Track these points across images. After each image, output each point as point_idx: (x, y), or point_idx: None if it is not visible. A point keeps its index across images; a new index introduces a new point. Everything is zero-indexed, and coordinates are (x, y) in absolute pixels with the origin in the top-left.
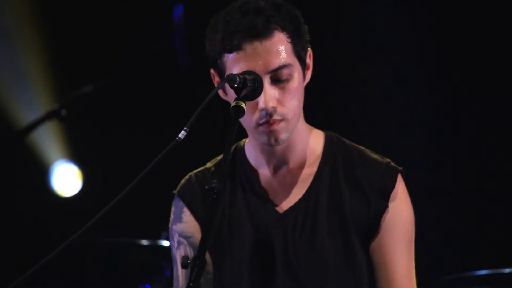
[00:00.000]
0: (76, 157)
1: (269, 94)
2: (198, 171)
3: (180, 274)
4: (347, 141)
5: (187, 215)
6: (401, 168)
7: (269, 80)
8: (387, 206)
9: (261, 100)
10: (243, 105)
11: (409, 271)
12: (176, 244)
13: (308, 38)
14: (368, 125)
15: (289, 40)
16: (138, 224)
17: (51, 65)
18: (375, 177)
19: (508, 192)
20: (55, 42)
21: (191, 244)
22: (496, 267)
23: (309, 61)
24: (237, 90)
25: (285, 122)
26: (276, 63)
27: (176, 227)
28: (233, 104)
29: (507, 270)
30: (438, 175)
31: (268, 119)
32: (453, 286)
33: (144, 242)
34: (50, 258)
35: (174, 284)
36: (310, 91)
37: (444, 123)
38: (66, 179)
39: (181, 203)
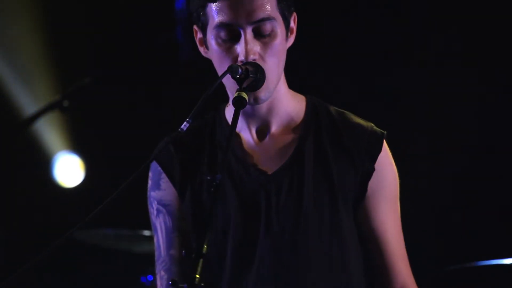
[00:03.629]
0: (78, 148)
1: (250, 46)
2: (175, 137)
3: (162, 243)
4: (329, 105)
5: (165, 181)
6: (385, 132)
7: (251, 33)
8: (374, 170)
9: (241, 52)
10: (245, 96)
11: (399, 232)
12: (155, 212)
13: (294, 1)
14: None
15: None
16: (140, 215)
17: (53, 56)
18: (361, 142)
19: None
20: (56, 33)
21: (169, 213)
22: (497, 258)
23: (293, 24)
24: (239, 81)
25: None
26: (259, 14)
27: (154, 194)
28: (235, 95)
29: (507, 261)
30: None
31: None
32: (454, 277)
33: (146, 233)
34: (52, 249)
35: (156, 253)
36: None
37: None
38: (68, 169)
39: (159, 168)
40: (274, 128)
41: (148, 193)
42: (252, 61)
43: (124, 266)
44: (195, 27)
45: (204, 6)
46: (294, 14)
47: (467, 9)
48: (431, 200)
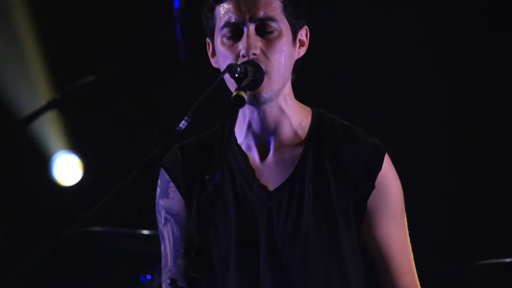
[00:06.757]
0: (77, 147)
1: (252, 41)
2: (184, 145)
3: (169, 252)
4: (335, 118)
5: (173, 190)
6: (387, 148)
7: (254, 30)
8: (373, 188)
9: (243, 46)
10: (244, 95)
11: (405, 247)
12: (163, 221)
13: (305, 12)
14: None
15: (280, 0)
16: (139, 214)
17: (51, 55)
18: (360, 159)
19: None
20: (55, 32)
21: (177, 222)
22: (498, 257)
23: (304, 38)
24: (237, 80)
25: (267, 77)
26: (262, 12)
27: (162, 202)
28: (234, 93)
29: (508, 260)
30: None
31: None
32: (456, 275)
33: (145, 232)
34: (50, 248)
35: (163, 261)
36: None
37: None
38: (67, 168)
39: (167, 176)
40: (278, 144)
41: (156, 201)
42: (253, 57)
43: (124, 265)
44: (207, 39)
45: (212, 9)
46: (306, 28)
47: None
48: (431, 200)
